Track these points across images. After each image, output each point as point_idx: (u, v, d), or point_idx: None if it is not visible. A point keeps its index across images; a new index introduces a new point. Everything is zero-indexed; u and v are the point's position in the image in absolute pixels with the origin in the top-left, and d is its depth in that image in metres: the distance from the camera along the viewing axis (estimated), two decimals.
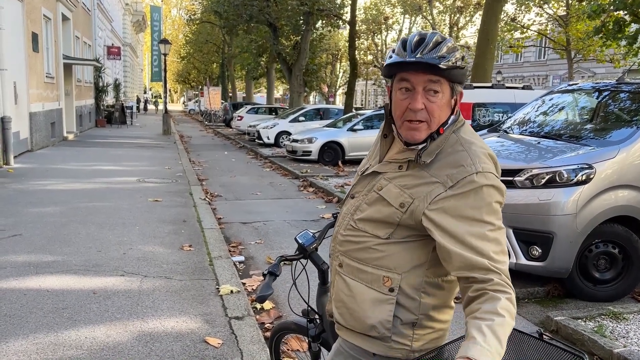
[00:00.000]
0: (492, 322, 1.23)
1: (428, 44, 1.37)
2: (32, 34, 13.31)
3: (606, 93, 5.41)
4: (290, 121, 18.59)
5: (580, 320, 3.81)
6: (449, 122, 1.46)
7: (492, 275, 1.29)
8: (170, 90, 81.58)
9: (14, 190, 8.14)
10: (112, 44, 31.60)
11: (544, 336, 1.41)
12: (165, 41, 22.87)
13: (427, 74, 1.38)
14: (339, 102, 49.43)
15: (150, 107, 57.12)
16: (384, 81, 35.23)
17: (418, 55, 1.36)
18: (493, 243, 1.33)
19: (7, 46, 10.94)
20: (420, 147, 1.44)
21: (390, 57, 1.43)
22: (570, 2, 21.27)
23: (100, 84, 25.35)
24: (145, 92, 68.82)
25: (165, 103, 23.80)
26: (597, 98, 5.50)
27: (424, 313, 1.45)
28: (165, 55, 22.90)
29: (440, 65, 1.35)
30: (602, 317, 3.90)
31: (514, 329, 1.46)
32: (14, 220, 6.30)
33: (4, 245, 5.30)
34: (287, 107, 23.84)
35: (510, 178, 4.44)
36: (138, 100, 45.54)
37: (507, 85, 9.28)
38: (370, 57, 38.11)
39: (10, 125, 10.82)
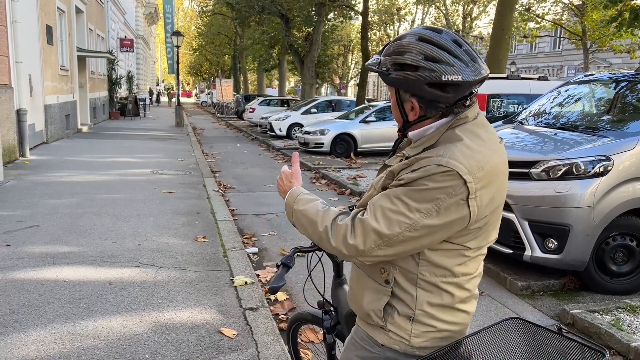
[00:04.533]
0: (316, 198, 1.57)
1: (388, 46, 1.44)
2: (47, 27, 13.40)
3: (624, 84, 5.31)
4: (302, 113, 18.55)
5: (596, 314, 3.78)
6: (432, 126, 1.41)
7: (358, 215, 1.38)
8: (182, 83, 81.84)
9: (30, 182, 8.24)
10: (125, 36, 31.74)
11: (563, 330, 1.40)
12: (177, 33, 22.85)
13: None
14: (351, 94, 49.26)
15: (164, 99, 57.29)
16: None
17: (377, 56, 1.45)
18: (393, 214, 1.32)
19: (22, 39, 11.02)
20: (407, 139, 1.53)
21: None
22: None
23: (114, 76, 25.51)
24: (157, 84, 69.08)
25: (178, 95, 23.87)
26: (614, 89, 5.41)
27: (421, 309, 1.42)
28: (177, 47, 22.91)
29: (369, 67, 1.45)
30: (619, 310, 3.86)
31: (532, 323, 1.45)
32: (30, 211, 6.38)
33: (21, 236, 5.37)
34: (299, 99, 23.80)
35: (526, 170, 4.40)
36: (151, 93, 45.76)
37: (522, 76, 9.17)
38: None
39: (25, 117, 10.92)
